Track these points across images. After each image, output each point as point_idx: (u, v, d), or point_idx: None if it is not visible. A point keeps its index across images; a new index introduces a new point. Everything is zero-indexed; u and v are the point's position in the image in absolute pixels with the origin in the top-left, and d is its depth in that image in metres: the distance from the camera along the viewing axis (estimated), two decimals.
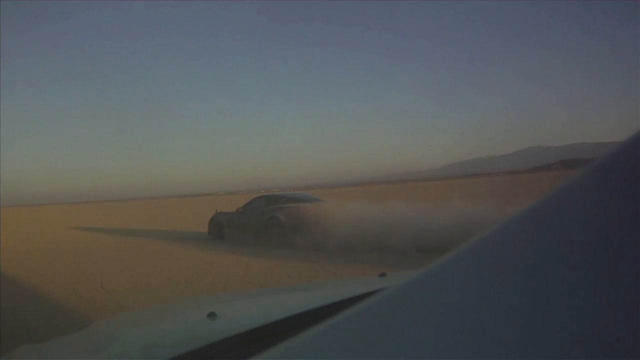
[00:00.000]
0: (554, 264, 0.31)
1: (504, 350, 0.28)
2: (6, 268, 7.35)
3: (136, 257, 8.44)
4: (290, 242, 8.45)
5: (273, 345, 0.38)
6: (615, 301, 0.28)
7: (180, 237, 11.66)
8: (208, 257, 7.88)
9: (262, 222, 9.69)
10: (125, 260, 8.03)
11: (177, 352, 0.84)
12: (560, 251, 0.31)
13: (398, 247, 6.90)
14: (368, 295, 0.38)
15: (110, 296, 5.07)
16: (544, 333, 0.28)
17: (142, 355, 1.01)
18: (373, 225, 7.79)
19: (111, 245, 10.72)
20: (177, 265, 7.25)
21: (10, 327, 3.79)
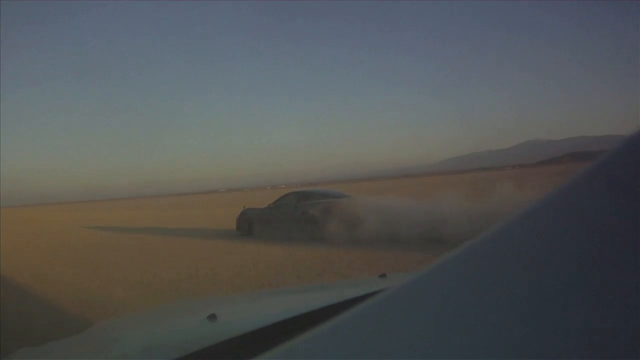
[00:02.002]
0: (554, 263, 0.31)
1: (504, 350, 0.28)
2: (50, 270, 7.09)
3: (184, 254, 8.45)
4: (323, 236, 8.72)
5: (273, 346, 0.38)
6: (615, 301, 0.28)
7: (211, 234, 11.65)
8: (256, 250, 8.16)
9: (294, 217, 9.83)
10: (176, 258, 7.92)
11: (178, 354, 0.84)
12: (561, 251, 0.31)
13: (430, 237, 7.44)
14: (368, 296, 0.38)
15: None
16: (544, 333, 0.28)
17: (143, 357, 1.01)
18: (405, 218, 8.22)
19: (145, 245, 10.43)
20: (241, 260, 7.22)
21: None
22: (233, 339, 0.91)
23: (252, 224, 10.97)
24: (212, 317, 1.11)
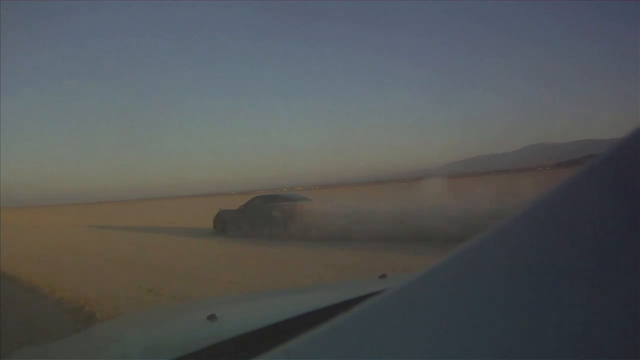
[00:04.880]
0: (554, 263, 0.31)
1: (504, 350, 0.28)
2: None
3: (162, 247, 10.20)
4: (284, 233, 10.44)
5: (273, 347, 0.38)
6: (615, 301, 0.28)
7: (193, 232, 13.33)
8: (226, 246, 9.84)
9: (260, 218, 11.39)
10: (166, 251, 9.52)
11: (178, 354, 0.84)
12: (560, 251, 0.31)
13: (366, 236, 9.09)
14: (368, 297, 0.38)
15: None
16: (544, 333, 0.28)
17: (143, 357, 1.01)
18: (347, 220, 9.88)
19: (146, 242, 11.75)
20: (212, 253, 9.00)
21: None
22: (233, 339, 0.91)
23: (226, 224, 12.47)
24: (212, 317, 1.11)
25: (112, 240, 12.41)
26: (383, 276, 1.55)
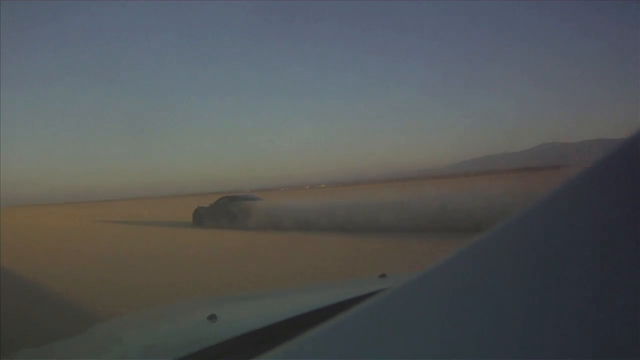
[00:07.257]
0: (554, 264, 0.31)
1: (504, 350, 0.28)
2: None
3: (158, 232, 14.84)
4: (240, 225, 14.14)
5: (273, 347, 0.38)
6: (615, 301, 0.28)
7: (179, 224, 17.35)
8: (201, 233, 14.00)
9: (225, 213, 15.21)
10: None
11: (178, 354, 0.84)
12: (560, 251, 0.31)
13: (302, 227, 12.32)
14: (368, 296, 0.38)
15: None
16: (544, 333, 0.28)
17: (143, 357, 1.01)
18: (284, 214, 13.42)
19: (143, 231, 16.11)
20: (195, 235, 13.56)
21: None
22: (233, 339, 0.91)
23: (201, 217, 16.11)
24: (212, 317, 1.12)
25: (120, 230, 16.99)
26: (383, 276, 1.56)
